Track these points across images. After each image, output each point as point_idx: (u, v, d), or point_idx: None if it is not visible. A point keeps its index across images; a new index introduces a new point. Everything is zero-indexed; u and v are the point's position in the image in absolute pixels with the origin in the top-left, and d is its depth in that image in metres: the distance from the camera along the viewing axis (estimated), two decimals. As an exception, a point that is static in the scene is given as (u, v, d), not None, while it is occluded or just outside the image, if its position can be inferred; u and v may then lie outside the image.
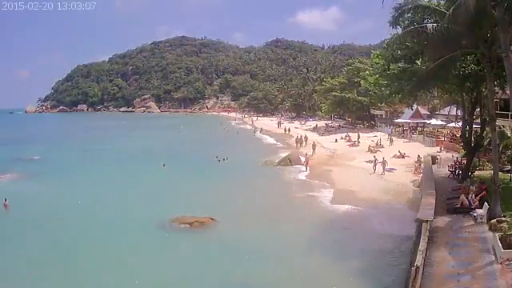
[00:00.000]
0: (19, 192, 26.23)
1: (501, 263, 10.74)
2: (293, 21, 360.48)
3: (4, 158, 40.89)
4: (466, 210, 15.63)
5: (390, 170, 30.12)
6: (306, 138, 50.87)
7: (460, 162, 24.78)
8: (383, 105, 60.53)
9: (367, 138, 49.65)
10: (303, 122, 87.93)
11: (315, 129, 69.53)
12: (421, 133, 46.99)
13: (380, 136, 49.86)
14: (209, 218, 19.47)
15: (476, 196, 16.14)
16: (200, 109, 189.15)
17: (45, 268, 14.84)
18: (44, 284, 13.83)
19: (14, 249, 16.97)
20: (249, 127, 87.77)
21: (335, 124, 74.58)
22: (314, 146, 43.27)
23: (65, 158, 43.12)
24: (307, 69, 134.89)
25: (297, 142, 49.73)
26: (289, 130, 69.94)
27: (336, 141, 50.39)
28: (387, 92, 26.04)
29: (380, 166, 30.17)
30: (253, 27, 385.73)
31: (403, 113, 55.94)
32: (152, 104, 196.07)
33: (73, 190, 27.18)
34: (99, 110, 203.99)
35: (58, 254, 16.26)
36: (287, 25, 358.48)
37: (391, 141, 44.43)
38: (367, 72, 56.90)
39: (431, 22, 15.10)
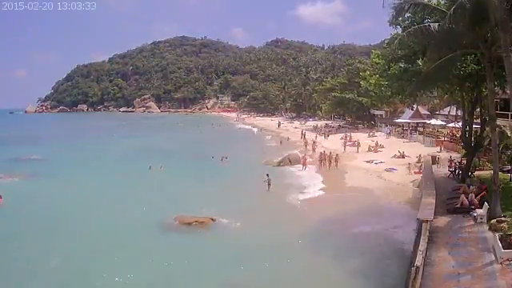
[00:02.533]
0: (17, 191, 26.23)
1: (501, 263, 10.73)
2: (294, 14, 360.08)
3: (4, 157, 40.84)
4: (466, 210, 15.61)
5: (390, 169, 30.14)
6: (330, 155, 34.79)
7: (460, 162, 24.77)
8: (383, 105, 60.59)
9: (367, 137, 49.65)
10: (303, 122, 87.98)
11: (315, 129, 69.52)
12: (421, 133, 47.00)
13: (378, 136, 49.91)
14: (209, 218, 19.44)
15: (476, 196, 16.13)
16: (200, 109, 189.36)
17: (44, 267, 14.85)
18: (43, 283, 13.83)
19: (8, 248, 16.96)
20: (247, 127, 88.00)
21: (335, 124, 74.61)
22: (313, 145, 43.25)
23: (65, 158, 43.00)
24: (307, 69, 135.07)
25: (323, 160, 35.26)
26: (309, 137, 55.43)
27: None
28: (388, 93, 26.06)
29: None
30: (253, 21, 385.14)
31: (403, 113, 55.94)
32: (152, 104, 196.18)
33: (73, 190, 27.07)
34: (99, 110, 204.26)
35: (57, 254, 16.22)
36: (288, 18, 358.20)
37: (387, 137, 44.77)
38: (367, 72, 56.96)
39: (431, 22, 15.08)
